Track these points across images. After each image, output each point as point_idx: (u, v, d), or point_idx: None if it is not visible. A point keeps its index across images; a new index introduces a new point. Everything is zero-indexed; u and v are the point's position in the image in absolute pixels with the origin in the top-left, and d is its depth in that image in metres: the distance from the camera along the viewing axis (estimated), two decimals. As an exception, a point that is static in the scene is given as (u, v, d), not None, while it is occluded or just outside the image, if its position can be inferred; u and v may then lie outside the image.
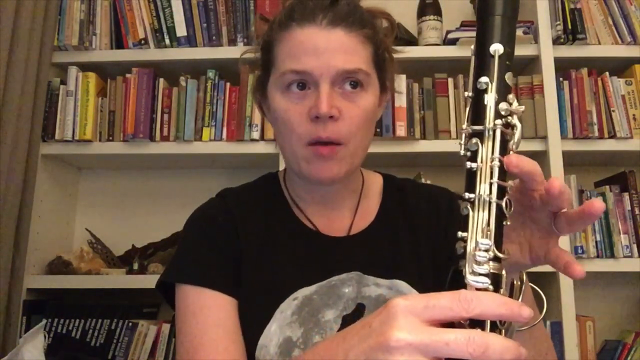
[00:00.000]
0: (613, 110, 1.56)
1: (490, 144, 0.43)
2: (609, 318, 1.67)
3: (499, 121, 0.43)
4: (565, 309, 1.43)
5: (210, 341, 0.69)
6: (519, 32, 1.58)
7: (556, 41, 1.59)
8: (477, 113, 0.44)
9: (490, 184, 0.42)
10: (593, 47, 1.59)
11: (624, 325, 1.65)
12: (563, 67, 1.58)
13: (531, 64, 1.63)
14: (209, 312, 0.71)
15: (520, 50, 1.59)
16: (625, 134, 1.54)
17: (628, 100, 1.57)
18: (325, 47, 0.70)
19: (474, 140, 0.43)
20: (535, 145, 1.54)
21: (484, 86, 0.44)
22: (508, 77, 0.45)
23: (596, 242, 1.51)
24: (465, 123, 0.45)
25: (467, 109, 0.45)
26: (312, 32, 0.70)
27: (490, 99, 0.43)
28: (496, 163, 0.42)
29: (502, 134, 0.43)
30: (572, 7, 1.59)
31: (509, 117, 0.43)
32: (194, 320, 0.71)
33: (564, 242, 1.46)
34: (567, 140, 1.53)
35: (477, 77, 0.45)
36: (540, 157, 1.56)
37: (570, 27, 1.58)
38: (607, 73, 1.59)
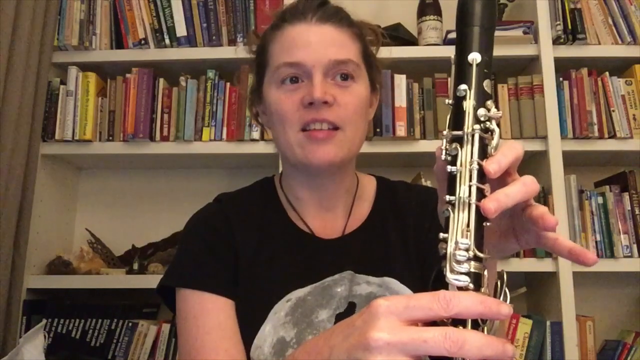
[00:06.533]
0: (613, 110, 1.56)
1: (469, 148, 0.44)
2: (609, 318, 1.67)
3: (477, 126, 0.45)
4: (565, 309, 1.43)
5: (211, 342, 0.71)
6: (519, 32, 1.58)
7: (556, 41, 1.59)
8: (457, 119, 0.46)
9: (470, 187, 0.43)
10: (593, 47, 1.59)
11: (624, 325, 1.66)
12: (563, 67, 1.58)
13: (531, 64, 1.64)
14: (209, 314, 0.73)
15: (520, 50, 1.59)
16: (625, 134, 1.54)
17: (628, 100, 1.57)
18: (316, 40, 0.74)
19: (454, 144, 0.45)
20: (535, 145, 1.54)
21: (463, 93, 0.46)
22: (486, 84, 0.46)
23: (596, 242, 1.51)
24: (447, 129, 0.46)
25: (448, 115, 0.47)
26: (303, 28, 0.75)
27: (468, 105, 0.45)
28: (475, 166, 0.43)
29: (481, 138, 0.44)
30: (572, 7, 1.59)
31: (488, 122, 0.45)
32: (194, 323, 0.73)
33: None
34: (567, 140, 1.53)
35: (456, 84, 0.47)
36: (540, 157, 1.56)
37: (570, 27, 1.58)
38: (607, 73, 1.59)
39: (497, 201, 0.42)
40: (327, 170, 0.76)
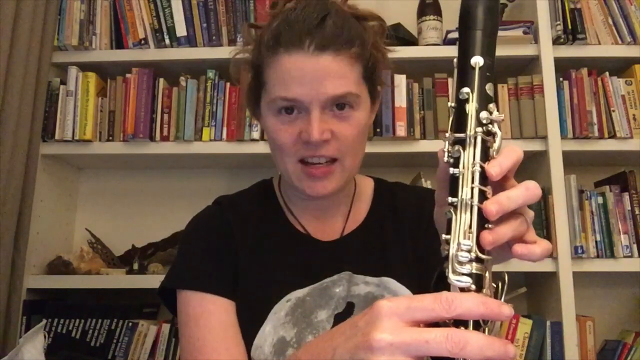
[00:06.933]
0: (613, 110, 1.55)
1: (471, 150, 0.45)
2: (609, 318, 1.67)
3: (479, 129, 0.45)
4: (565, 309, 1.43)
5: (212, 343, 0.71)
6: (519, 32, 1.58)
7: (556, 41, 1.59)
8: (460, 121, 0.46)
9: (472, 188, 0.43)
10: (593, 47, 1.59)
11: (624, 325, 1.65)
12: (563, 67, 1.58)
13: (531, 64, 1.63)
14: (210, 315, 0.74)
15: (520, 50, 1.59)
16: (625, 134, 1.54)
17: (628, 100, 1.57)
18: (313, 75, 0.70)
19: (457, 147, 0.45)
20: (535, 145, 1.54)
21: (466, 96, 0.46)
22: (489, 87, 0.47)
23: (596, 242, 1.50)
24: (449, 131, 0.47)
25: (451, 118, 0.47)
26: (300, 59, 0.71)
27: (471, 108, 0.46)
28: (477, 168, 0.44)
29: (483, 141, 0.45)
30: (572, 7, 1.59)
31: (490, 125, 0.46)
32: (196, 323, 0.73)
33: (564, 243, 1.46)
34: (567, 140, 1.53)
35: (459, 87, 0.47)
36: (540, 157, 1.56)
37: (570, 27, 1.58)
38: (607, 73, 1.59)
39: (499, 204, 0.42)
40: (325, 199, 0.78)
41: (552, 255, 1.47)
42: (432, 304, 0.38)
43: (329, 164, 0.73)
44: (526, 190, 0.44)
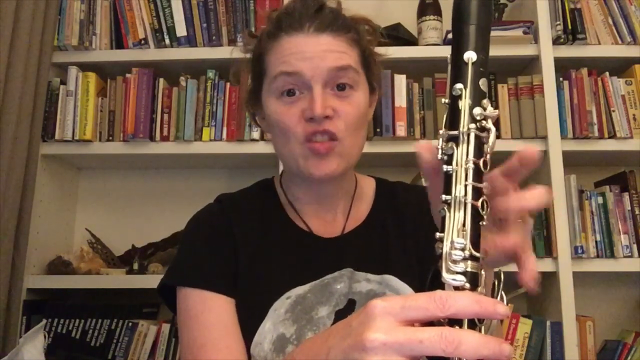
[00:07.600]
0: (613, 110, 1.56)
1: (465, 147, 0.44)
2: (609, 318, 1.67)
3: (473, 125, 0.44)
4: (565, 309, 1.43)
5: (212, 341, 0.71)
6: (519, 32, 1.58)
7: (556, 41, 1.59)
8: (453, 118, 0.46)
9: (465, 186, 0.43)
10: (593, 47, 1.59)
11: (624, 325, 1.66)
12: (563, 67, 1.58)
13: (531, 64, 1.64)
14: (210, 313, 0.74)
15: (520, 50, 1.59)
16: (625, 134, 1.54)
17: (628, 100, 1.57)
18: (314, 51, 0.73)
19: (450, 144, 0.45)
20: (535, 145, 1.53)
21: (459, 92, 0.46)
22: (482, 83, 0.46)
23: (596, 242, 1.51)
24: (443, 128, 0.46)
25: (445, 114, 0.47)
26: (300, 39, 0.74)
27: (464, 104, 0.45)
28: (470, 165, 0.43)
29: (477, 137, 0.44)
30: (572, 7, 1.59)
31: (484, 122, 0.45)
32: (196, 321, 0.73)
33: (564, 243, 1.46)
34: (567, 140, 1.53)
35: (452, 83, 0.46)
36: (540, 157, 1.56)
37: (570, 27, 1.58)
38: (607, 73, 1.59)
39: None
40: (328, 181, 0.77)
41: (552, 255, 1.47)
42: (426, 303, 0.38)
43: (331, 141, 0.73)
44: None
